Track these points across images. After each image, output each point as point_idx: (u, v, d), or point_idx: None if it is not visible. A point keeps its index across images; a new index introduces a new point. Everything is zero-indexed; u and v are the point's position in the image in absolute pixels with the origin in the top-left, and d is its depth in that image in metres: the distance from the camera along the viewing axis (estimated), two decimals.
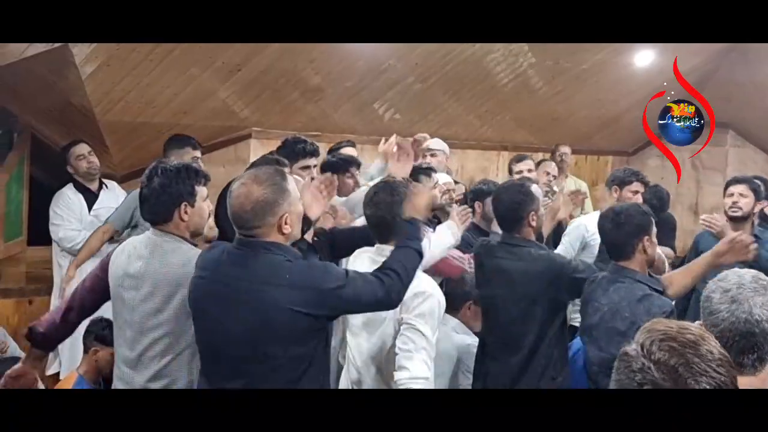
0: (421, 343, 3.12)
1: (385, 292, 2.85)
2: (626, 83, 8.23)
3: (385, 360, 3.30)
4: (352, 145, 5.92)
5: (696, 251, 5.20)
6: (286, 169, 4.52)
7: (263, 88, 6.09)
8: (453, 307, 4.19)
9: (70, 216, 5.49)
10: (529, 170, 6.21)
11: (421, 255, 3.07)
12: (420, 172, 4.47)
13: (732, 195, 5.02)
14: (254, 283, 2.73)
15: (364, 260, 3.43)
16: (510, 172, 6.36)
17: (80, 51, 4.88)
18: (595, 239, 4.69)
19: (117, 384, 3.28)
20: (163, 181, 3.11)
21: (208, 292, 2.83)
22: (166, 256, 3.10)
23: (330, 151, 6.00)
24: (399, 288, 2.91)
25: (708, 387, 1.50)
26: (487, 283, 4.00)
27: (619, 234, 3.48)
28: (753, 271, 2.05)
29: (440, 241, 3.76)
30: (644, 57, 7.69)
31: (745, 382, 1.93)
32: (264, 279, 2.72)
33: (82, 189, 5.57)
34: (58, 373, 5.40)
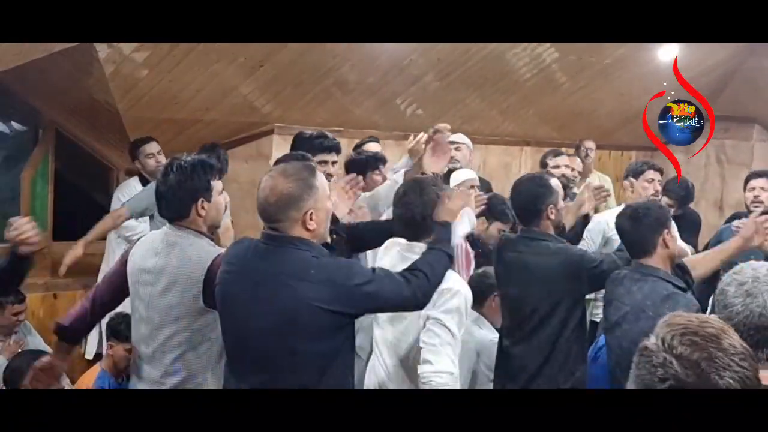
0: (446, 339, 3.09)
1: (412, 292, 2.84)
2: (650, 78, 8.15)
3: (410, 354, 3.28)
4: (376, 140, 5.93)
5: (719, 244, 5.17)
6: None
7: (286, 83, 6.11)
8: (476, 301, 4.20)
9: None
10: (566, 165, 6.19)
11: (451, 258, 3.06)
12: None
13: (753, 189, 5.00)
14: (279, 278, 2.72)
15: (394, 254, 3.40)
16: (543, 166, 6.33)
17: (104, 47, 4.92)
18: (617, 234, 4.69)
19: (133, 379, 3.31)
20: (179, 177, 3.13)
21: (234, 286, 2.83)
22: (182, 252, 3.12)
23: (355, 148, 6.03)
24: (426, 289, 2.90)
25: (732, 381, 1.49)
26: (506, 278, 4.00)
27: (639, 230, 3.46)
28: None
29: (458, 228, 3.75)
30: (668, 52, 7.62)
31: (762, 377, 1.93)
32: (289, 273, 2.72)
33: (146, 184, 5.63)
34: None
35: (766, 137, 9.68)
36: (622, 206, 5.28)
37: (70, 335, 3.38)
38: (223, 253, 3.02)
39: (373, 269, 2.88)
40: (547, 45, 6.96)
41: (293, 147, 4.68)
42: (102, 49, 4.93)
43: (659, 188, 5.24)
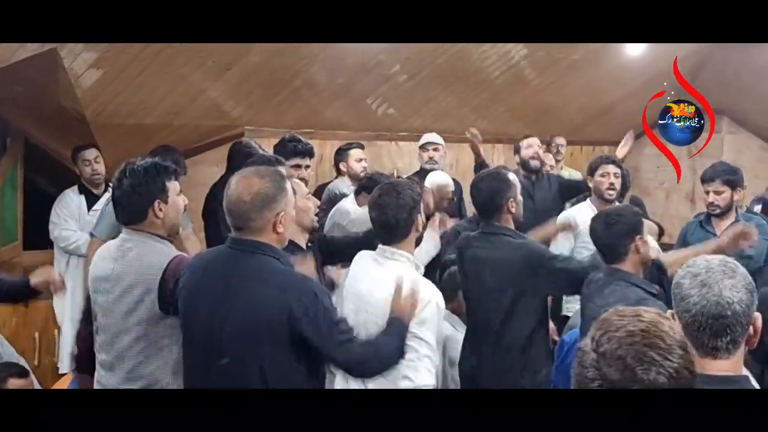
0: (423, 351, 3.07)
1: (361, 358, 2.84)
2: (619, 72, 8.22)
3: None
4: (361, 146, 5.99)
5: (683, 241, 5.22)
6: (284, 169, 4.58)
7: (254, 86, 6.10)
8: (446, 298, 4.20)
9: (68, 216, 5.65)
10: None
11: (401, 355, 2.99)
12: None
13: (708, 193, 5.06)
14: (244, 282, 2.73)
15: (366, 262, 3.39)
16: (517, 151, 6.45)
17: (69, 53, 4.88)
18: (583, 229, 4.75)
19: (96, 387, 3.28)
20: (133, 181, 3.11)
21: (198, 291, 2.84)
22: (138, 256, 3.10)
23: (338, 152, 6.12)
24: (373, 367, 2.92)
25: (658, 377, 1.49)
26: (468, 275, 4.01)
27: (611, 235, 3.49)
28: (721, 255, 2.05)
29: (426, 250, 3.79)
30: (636, 46, 7.68)
31: (721, 366, 1.95)
32: (254, 279, 2.73)
33: (85, 191, 5.71)
34: None
35: (736, 129, 9.74)
36: (587, 202, 5.37)
37: (81, 358, 3.43)
38: (182, 258, 3.02)
39: (333, 307, 2.89)
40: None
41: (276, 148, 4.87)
42: (67, 55, 4.89)
43: (615, 181, 5.26)
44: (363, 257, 3.46)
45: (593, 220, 3.65)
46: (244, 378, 2.71)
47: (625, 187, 5.46)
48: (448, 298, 4.20)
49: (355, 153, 6.07)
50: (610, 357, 1.52)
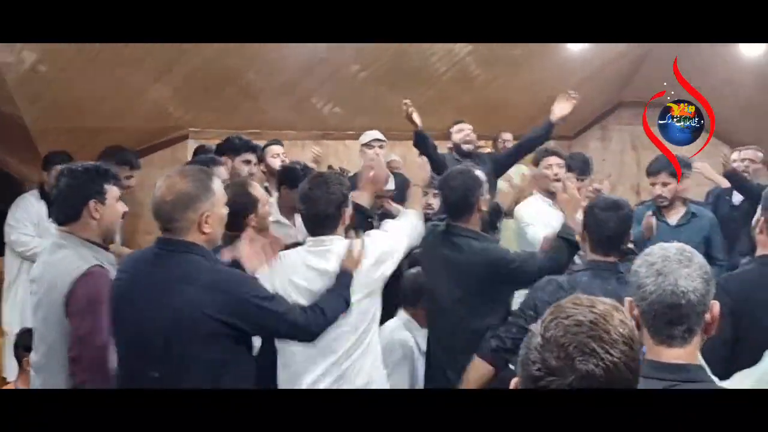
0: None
1: (306, 321, 2.94)
2: (560, 67, 8.30)
3: None
4: (279, 143, 5.90)
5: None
6: (222, 168, 4.52)
7: (196, 87, 6.00)
8: (409, 302, 4.16)
9: (26, 221, 5.45)
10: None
11: (348, 304, 3.16)
12: None
13: (655, 185, 5.13)
14: (170, 283, 2.70)
15: (301, 255, 3.36)
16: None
17: (3, 57, 4.75)
18: (526, 224, 4.94)
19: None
20: (70, 180, 3.11)
21: (126, 292, 2.81)
22: (60, 260, 3.07)
23: (262, 149, 5.99)
24: (321, 324, 3.01)
25: (595, 369, 1.47)
26: (430, 273, 3.97)
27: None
28: (678, 244, 2.04)
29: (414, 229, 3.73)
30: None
31: (675, 355, 1.94)
32: (180, 278, 2.70)
33: (46, 197, 5.49)
34: None
35: None
36: (536, 196, 5.37)
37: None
38: (93, 273, 2.99)
39: (276, 293, 2.93)
40: None
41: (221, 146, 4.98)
42: (2, 59, 4.76)
43: (558, 172, 5.27)
44: (294, 252, 3.43)
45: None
46: (170, 379, 2.68)
47: (585, 172, 5.46)
48: (410, 303, 4.17)
49: (271, 149, 5.81)
50: (554, 343, 1.51)
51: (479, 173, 3.91)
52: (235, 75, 6.07)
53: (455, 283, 3.77)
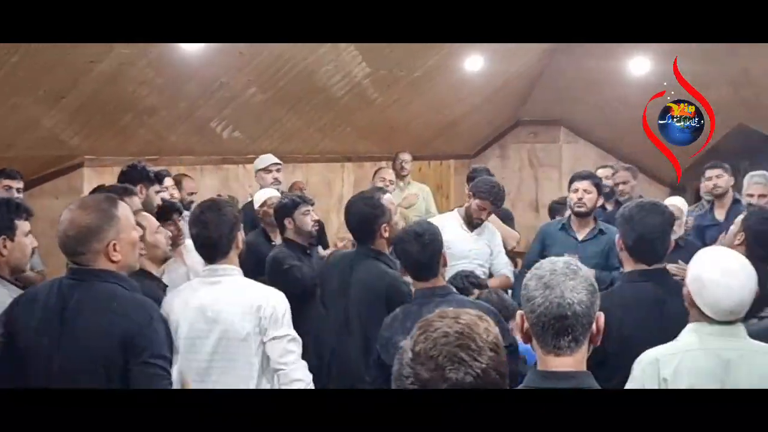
0: (298, 350, 3.22)
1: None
2: (460, 88, 8.44)
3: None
4: (169, 175, 5.86)
5: (541, 242, 5.36)
6: (135, 198, 4.41)
7: (92, 113, 5.88)
8: None
9: None
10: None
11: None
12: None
13: (577, 191, 5.19)
14: (85, 313, 2.65)
15: (195, 288, 3.34)
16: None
17: None
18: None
19: None
20: None
21: (35, 325, 2.71)
22: None
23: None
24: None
25: (465, 376, 1.54)
26: (336, 294, 4.00)
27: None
28: (565, 258, 2.13)
29: None
30: (474, 62, 7.91)
31: (563, 363, 2.01)
32: (94, 308, 2.65)
33: None
34: None
35: (573, 139, 10.18)
36: (446, 215, 5.46)
37: None
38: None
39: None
40: (359, 60, 7.05)
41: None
42: None
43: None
44: (188, 286, 3.43)
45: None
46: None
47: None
48: None
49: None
50: (424, 356, 1.57)
51: (385, 200, 3.96)
52: (130, 101, 5.98)
53: (360, 305, 3.83)
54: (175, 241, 4.25)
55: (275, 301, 3.23)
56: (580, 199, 5.14)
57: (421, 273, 3.44)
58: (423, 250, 3.38)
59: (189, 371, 3.19)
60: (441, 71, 7.88)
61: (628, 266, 3.31)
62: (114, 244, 2.69)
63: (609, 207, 6.32)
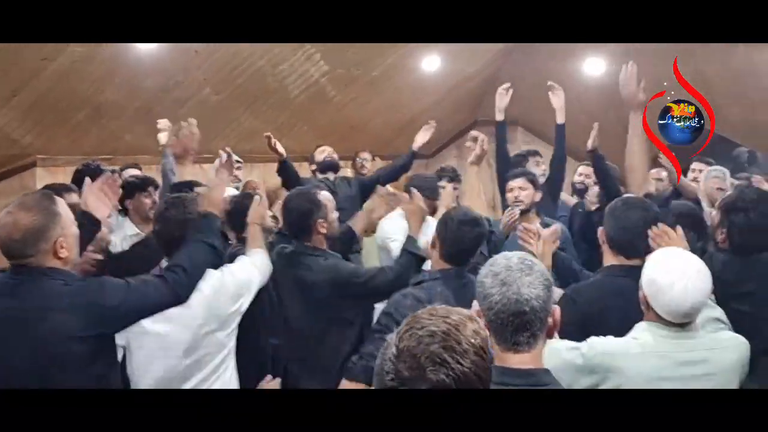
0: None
1: (171, 289, 2.87)
2: (417, 87, 8.44)
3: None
4: (138, 167, 5.80)
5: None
6: (74, 194, 4.34)
7: (45, 112, 5.80)
8: None
9: None
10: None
11: (214, 248, 3.09)
12: None
13: (512, 190, 5.22)
14: (32, 312, 2.60)
15: None
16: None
17: None
18: (390, 239, 4.86)
19: None
20: None
21: None
22: None
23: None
24: (185, 283, 2.93)
25: (445, 378, 1.52)
26: (282, 294, 3.96)
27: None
28: (520, 253, 2.11)
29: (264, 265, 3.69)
30: (432, 61, 7.93)
31: (522, 360, 2.00)
32: (42, 306, 2.61)
33: None
34: None
35: (531, 139, 10.19)
36: (400, 211, 5.45)
37: None
38: None
39: (127, 281, 2.81)
40: (317, 58, 7.03)
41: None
42: None
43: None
44: None
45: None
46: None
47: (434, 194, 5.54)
48: None
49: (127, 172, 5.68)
50: (407, 354, 1.54)
51: (321, 196, 3.94)
52: (84, 100, 5.90)
53: (307, 302, 3.79)
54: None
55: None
56: (516, 197, 5.19)
57: (461, 258, 3.42)
58: (476, 238, 3.40)
59: None
60: (398, 70, 7.88)
61: (609, 260, 3.31)
62: (61, 241, 2.67)
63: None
